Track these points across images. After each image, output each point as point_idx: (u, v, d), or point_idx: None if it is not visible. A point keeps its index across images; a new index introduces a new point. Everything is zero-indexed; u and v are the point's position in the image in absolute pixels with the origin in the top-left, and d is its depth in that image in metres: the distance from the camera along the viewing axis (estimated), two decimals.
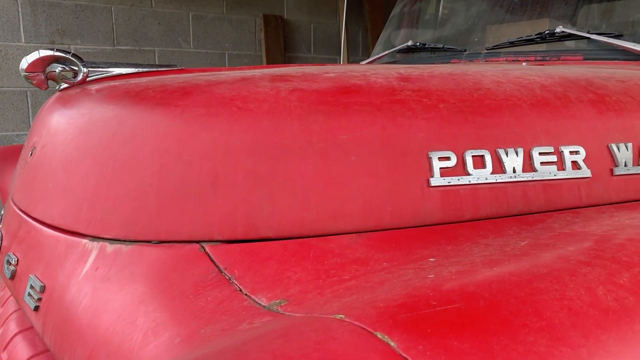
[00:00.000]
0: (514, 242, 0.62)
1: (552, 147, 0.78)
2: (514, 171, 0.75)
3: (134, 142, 0.73)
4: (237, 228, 0.67)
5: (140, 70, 1.04)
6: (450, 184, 0.72)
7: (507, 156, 0.75)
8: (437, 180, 0.72)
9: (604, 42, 1.39)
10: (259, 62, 3.90)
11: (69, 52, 0.88)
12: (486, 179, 0.73)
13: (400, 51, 2.09)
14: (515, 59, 1.60)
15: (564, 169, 0.77)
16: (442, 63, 1.84)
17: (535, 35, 1.55)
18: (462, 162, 0.73)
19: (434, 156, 0.72)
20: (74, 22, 3.18)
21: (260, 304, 0.54)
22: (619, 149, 0.81)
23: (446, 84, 0.83)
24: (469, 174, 0.73)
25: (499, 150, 0.75)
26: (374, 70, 0.91)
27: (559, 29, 1.47)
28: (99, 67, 0.98)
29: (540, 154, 0.77)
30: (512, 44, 1.63)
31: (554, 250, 0.57)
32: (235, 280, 0.60)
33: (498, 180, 0.74)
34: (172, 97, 0.76)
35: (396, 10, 2.35)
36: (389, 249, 0.64)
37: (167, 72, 1.06)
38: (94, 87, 0.87)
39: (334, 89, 0.78)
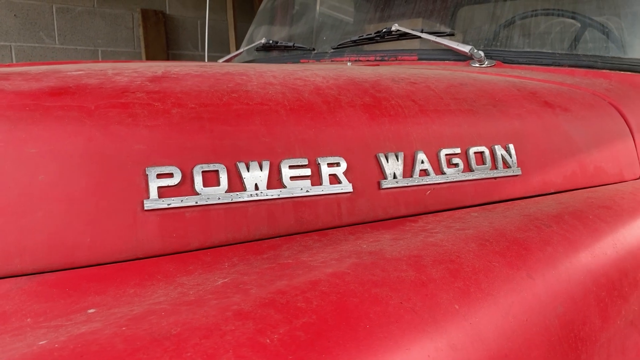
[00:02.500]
0: (211, 281, 0.51)
1: (307, 159, 0.67)
2: (257, 188, 0.64)
3: None
4: None
5: None
6: (170, 206, 0.60)
7: (248, 171, 0.64)
8: (153, 203, 0.59)
9: (435, 42, 1.35)
10: (138, 59, 3.64)
11: None
12: (219, 198, 0.62)
13: (258, 49, 1.98)
14: (357, 58, 1.53)
15: (320, 184, 0.68)
16: (292, 62, 1.74)
17: (375, 33, 1.49)
18: (190, 179, 0.61)
19: (152, 173, 0.60)
20: None
21: None
22: (387, 160, 0.73)
23: (198, 86, 0.71)
24: (197, 194, 0.61)
25: (239, 164, 0.64)
26: (143, 67, 0.78)
27: (394, 27, 1.42)
28: None
29: (291, 167, 0.66)
30: (355, 42, 1.56)
31: (234, 295, 0.46)
32: None
33: (235, 200, 0.63)
34: None
35: (262, 6, 2.24)
36: (55, 297, 0.50)
37: None
38: None
39: (42, 90, 0.63)
